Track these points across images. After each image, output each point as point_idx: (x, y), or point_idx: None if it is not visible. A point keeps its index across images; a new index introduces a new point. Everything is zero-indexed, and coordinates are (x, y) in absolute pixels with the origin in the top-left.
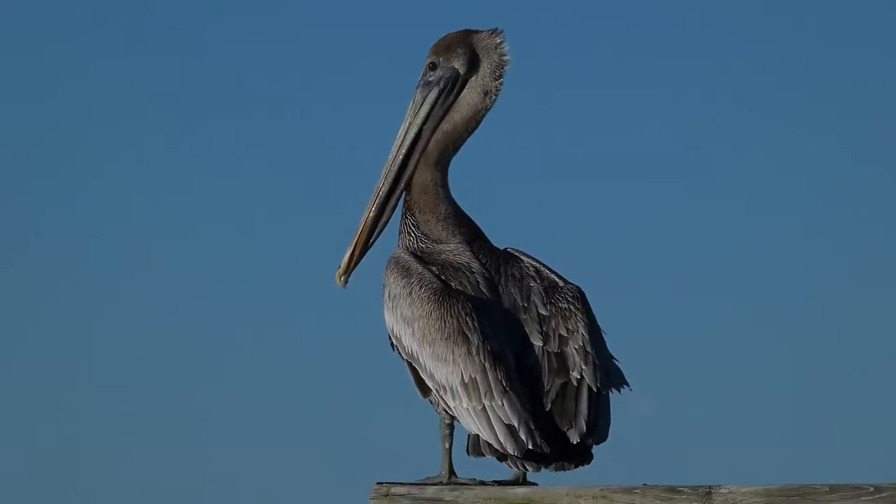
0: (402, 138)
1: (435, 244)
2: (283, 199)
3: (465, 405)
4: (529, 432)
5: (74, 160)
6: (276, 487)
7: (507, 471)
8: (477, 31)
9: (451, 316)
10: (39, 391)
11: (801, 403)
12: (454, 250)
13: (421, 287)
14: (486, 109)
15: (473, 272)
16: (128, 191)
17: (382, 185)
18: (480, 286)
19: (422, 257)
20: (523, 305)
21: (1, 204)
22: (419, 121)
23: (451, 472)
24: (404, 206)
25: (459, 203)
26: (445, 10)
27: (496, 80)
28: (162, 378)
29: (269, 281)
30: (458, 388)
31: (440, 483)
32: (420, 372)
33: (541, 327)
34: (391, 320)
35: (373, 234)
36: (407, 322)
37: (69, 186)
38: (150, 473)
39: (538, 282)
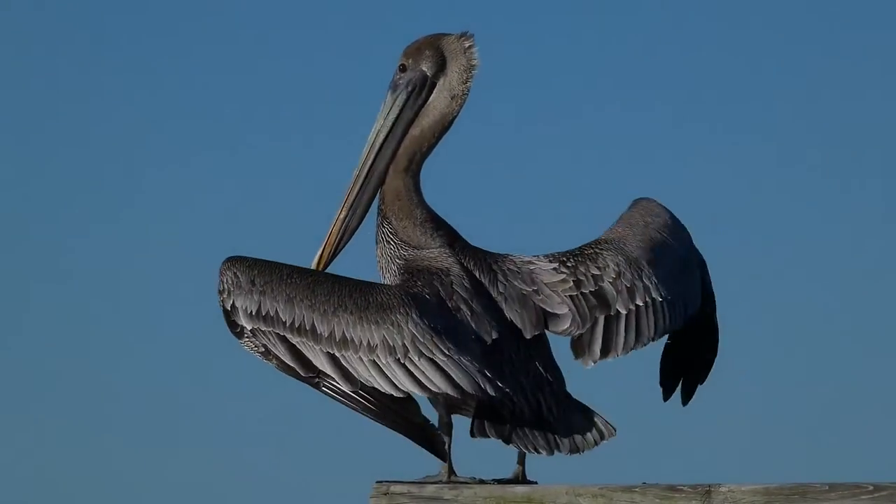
0: (371, 141)
1: (416, 250)
2: (283, 199)
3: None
4: (488, 379)
5: (75, 160)
6: (277, 487)
7: (508, 469)
8: (447, 35)
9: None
10: (38, 391)
11: (801, 402)
12: (437, 257)
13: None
14: (454, 114)
15: (450, 275)
16: (126, 191)
17: (352, 188)
18: (454, 286)
19: (405, 265)
20: (511, 295)
21: (1, 204)
22: (389, 123)
23: (451, 471)
24: (379, 215)
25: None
26: (449, 12)
27: (463, 83)
28: (162, 378)
29: None
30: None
31: (440, 482)
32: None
33: (525, 310)
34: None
35: (343, 236)
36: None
37: (69, 187)
38: (150, 473)
39: (530, 265)
